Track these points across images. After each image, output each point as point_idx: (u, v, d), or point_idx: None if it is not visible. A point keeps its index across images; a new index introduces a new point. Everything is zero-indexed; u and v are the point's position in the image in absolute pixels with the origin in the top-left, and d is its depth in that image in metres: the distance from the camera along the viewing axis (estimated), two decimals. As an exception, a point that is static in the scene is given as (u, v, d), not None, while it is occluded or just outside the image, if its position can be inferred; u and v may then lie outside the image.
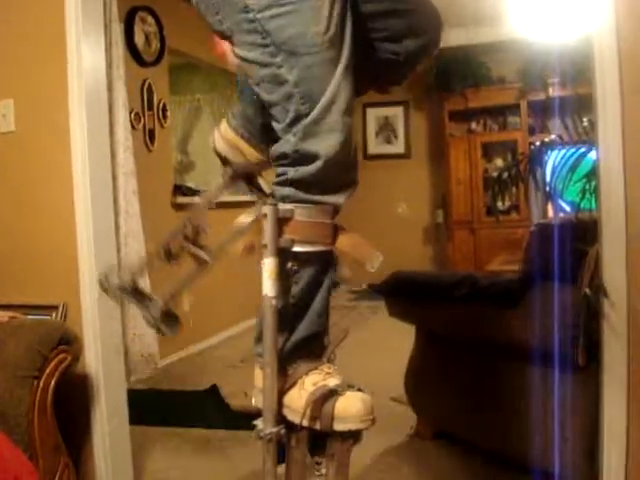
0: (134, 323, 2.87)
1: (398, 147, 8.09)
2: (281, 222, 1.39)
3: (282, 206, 1.39)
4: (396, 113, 8.02)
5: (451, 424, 3.10)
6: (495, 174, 7.03)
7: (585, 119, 6.56)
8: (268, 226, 1.38)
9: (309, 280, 1.43)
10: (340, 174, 1.41)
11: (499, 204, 7.26)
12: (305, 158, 1.37)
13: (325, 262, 1.45)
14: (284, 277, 1.41)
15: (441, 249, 7.92)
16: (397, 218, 7.80)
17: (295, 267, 1.41)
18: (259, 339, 1.47)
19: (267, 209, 1.38)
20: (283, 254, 1.40)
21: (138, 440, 3.09)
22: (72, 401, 2.52)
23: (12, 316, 2.32)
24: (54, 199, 2.59)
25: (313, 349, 1.48)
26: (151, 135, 5.01)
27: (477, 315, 2.72)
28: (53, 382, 2.24)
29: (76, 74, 2.51)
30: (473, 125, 7.59)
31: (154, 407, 3.82)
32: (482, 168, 7.49)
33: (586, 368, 2.24)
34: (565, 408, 2.48)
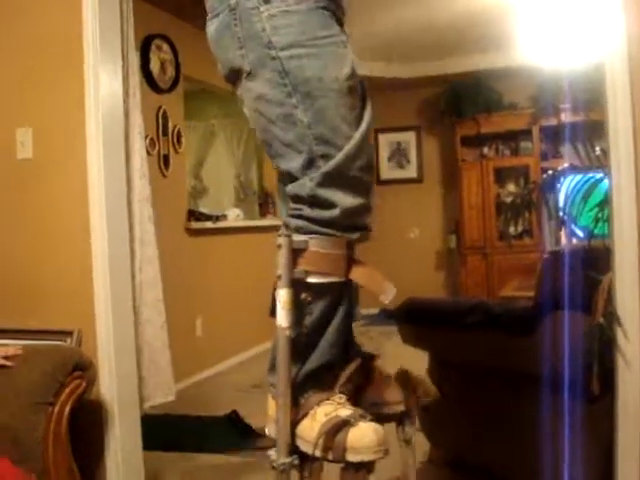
0: (149, 348, 2.88)
1: (410, 172, 8.11)
2: (295, 253, 1.40)
3: (296, 237, 1.40)
4: (408, 138, 8.05)
5: (464, 451, 3.08)
6: (509, 199, 7.05)
7: (597, 147, 6.56)
8: (283, 257, 1.39)
9: (322, 311, 1.44)
10: (356, 220, 1.43)
11: (511, 229, 7.27)
12: (321, 204, 1.40)
13: (339, 293, 1.45)
14: (298, 307, 1.42)
15: (454, 274, 7.90)
16: (409, 243, 7.80)
17: (309, 298, 1.42)
18: (272, 368, 1.48)
19: (282, 240, 1.39)
20: (297, 285, 1.40)
21: (152, 466, 3.09)
22: (86, 427, 2.52)
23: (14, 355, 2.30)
24: (70, 225, 2.62)
25: (325, 379, 1.48)
26: (166, 161, 5.06)
27: (491, 343, 2.72)
28: (68, 408, 2.25)
29: (93, 102, 2.55)
30: (485, 150, 7.60)
31: (168, 433, 3.82)
32: (494, 193, 7.49)
33: (600, 397, 2.23)
34: (579, 437, 2.47)
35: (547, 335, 2.45)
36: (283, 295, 1.39)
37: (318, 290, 1.42)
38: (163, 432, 3.77)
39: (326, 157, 1.39)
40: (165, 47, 5.01)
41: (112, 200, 2.59)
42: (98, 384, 2.51)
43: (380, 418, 1.61)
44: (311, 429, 1.40)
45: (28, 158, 2.69)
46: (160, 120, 5.00)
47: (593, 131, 6.45)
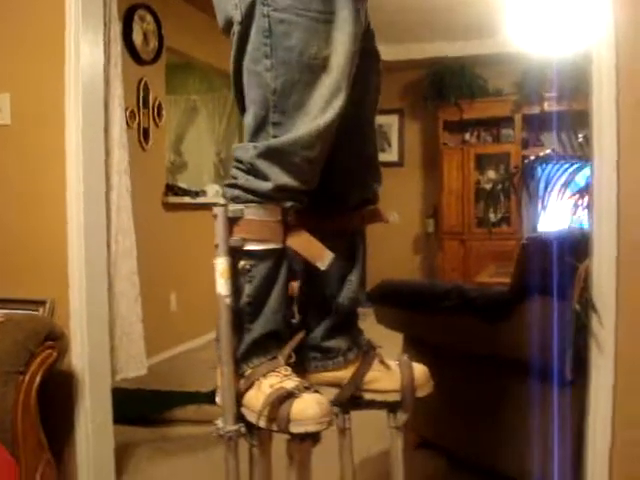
0: (121, 321, 2.86)
1: (391, 155, 8.09)
2: (232, 222, 1.42)
3: (232, 206, 1.42)
4: (390, 122, 8.03)
5: (437, 434, 3.10)
6: (488, 186, 7.07)
7: (580, 135, 6.59)
8: (219, 226, 1.42)
9: (263, 278, 1.45)
10: (289, 195, 1.44)
11: (490, 216, 7.29)
12: (257, 174, 1.41)
13: (277, 260, 1.46)
14: (238, 276, 1.44)
15: (431, 259, 7.92)
16: (388, 226, 7.74)
17: (248, 266, 1.44)
18: (218, 339, 1.48)
19: (217, 210, 1.42)
20: (236, 253, 1.43)
21: (122, 439, 3.08)
22: (56, 398, 2.51)
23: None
24: (46, 193, 2.58)
25: (270, 348, 1.49)
26: (145, 134, 5.01)
27: (465, 326, 2.73)
28: (38, 378, 2.22)
29: (73, 70, 2.51)
30: (467, 136, 7.61)
31: (138, 406, 3.80)
32: (474, 179, 7.50)
33: (574, 382, 2.24)
34: (552, 421, 2.48)
35: (523, 320, 2.46)
36: (221, 263, 1.42)
37: (256, 257, 1.43)
38: (134, 406, 3.76)
39: (278, 126, 1.40)
40: (148, 18, 4.94)
41: (90, 169, 2.55)
42: (70, 355, 2.49)
43: (373, 404, 1.65)
44: (256, 399, 1.41)
45: (6, 124, 2.64)
46: (141, 92, 4.95)
47: (576, 121, 6.47)
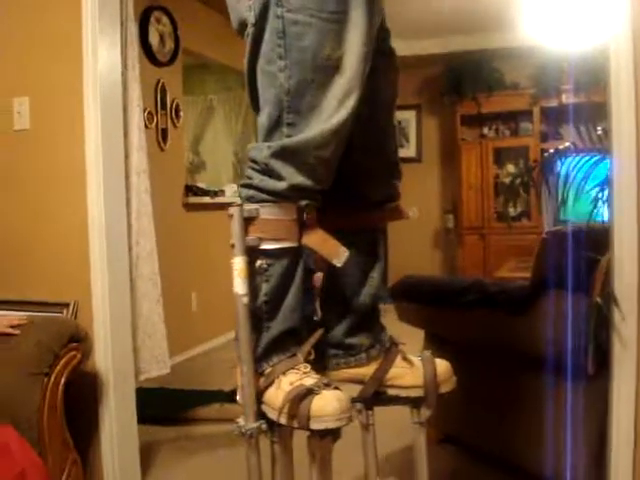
0: (144, 322, 2.88)
1: (409, 151, 8.07)
2: (248, 221, 1.44)
3: (247, 206, 1.43)
4: (408, 117, 8.01)
5: (458, 429, 3.10)
6: (507, 180, 7.04)
7: (599, 127, 6.54)
8: (235, 226, 1.43)
9: (279, 277, 1.46)
10: (303, 195, 1.45)
11: (510, 210, 7.25)
12: (271, 174, 1.42)
13: (294, 258, 1.48)
14: (255, 275, 1.45)
15: (451, 254, 7.90)
16: (407, 222, 7.69)
17: (265, 265, 1.45)
18: (237, 338, 1.50)
19: (233, 209, 1.43)
20: (252, 253, 1.44)
21: (146, 438, 3.11)
22: (81, 398, 2.53)
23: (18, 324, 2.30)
24: (67, 197, 2.60)
25: (289, 346, 1.50)
26: (164, 135, 5.04)
27: (486, 321, 2.72)
28: (63, 379, 2.25)
29: (92, 73, 2.53)
30: (485, 130, 7.58)
31: (162, 406, 3.83)
32: (493, 173, 7.47)
33: (596, 377, 2.23)
34: (574, 416, 2.47)
35: (543, 315, 2.45)
36: (238, 263, 1.44)
37: (273, 256, 1.45)
38: (157, 405, 3.78)
39: (292, 126, 1.41)
40: (164, 19, 4.97)
41: (109, 172, 2.58)
42: (93, 356, 2.51)
43: (396, 400, 1.66)
44: (276, 397, 1.42)
45: (25, 129, 2.67)
46: (159, 94, 4.98)
47: (594, 113, 6.42)
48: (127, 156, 2.78)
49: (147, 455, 3.08)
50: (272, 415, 1.44)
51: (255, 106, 1.53)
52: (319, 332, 1.57)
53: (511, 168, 7.45)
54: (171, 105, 5.13)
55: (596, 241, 2.19)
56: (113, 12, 2.64)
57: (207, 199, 5.55)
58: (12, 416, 2.09)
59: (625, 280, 2.02)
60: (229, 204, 1.45)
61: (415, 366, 1.65)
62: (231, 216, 1.43)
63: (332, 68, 1.39)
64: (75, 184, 2.56)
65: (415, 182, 7.88)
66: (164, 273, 3.09)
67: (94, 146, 2.53)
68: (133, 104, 2.87)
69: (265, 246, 1.44)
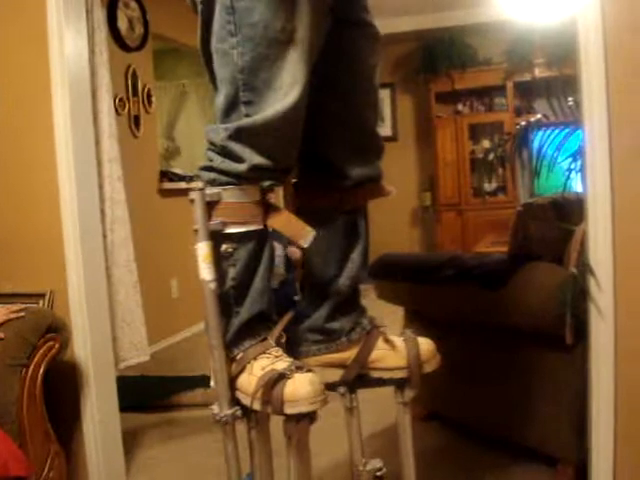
0: (121, 309, 2.86)
1: (385, 130, 8.05)
2: (210, 206, 1.41)
3: (209, 190, 1.41)
4: (382, 96, 7.99)
5: (442, 405, 3.12)
6: (482, 155, 7.06)
7: (570, 99, 6.57)
8: (197, 210, 1.41)
9: (246, 260, 1.44)
10: (265, 174, 1.42)
11: (486, 185, 7.29)
12: (231, 156, 1.40)
13: (259, 241, 1.45)
14: (221, 260, 1.43)
15: (429, 231, 7.93)
16: (384, 201, 7.67)
17: (230, 249, 1.42)
18: (206, 325, 1.48)
19: (194, 194, 1.40)
20: (217, 237, 1.42)
21: (129, 426, 3.10)
22: (61, 389, 2.52)
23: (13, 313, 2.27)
24: (38, 186, 2.57)
25: (259, 330, 1.48)
26: (136, 121, 4.98)
27: (465, 296, 2.73)
28: (42, 370, 2.23)
29: (58, 60, 2.49)
30: (459, 107, 7.57)
31: (144, 393, 3.82)
32: (469, 150, 7.48)
33: (574, 346, 2.25)
34: (554, 386, 2.50)
35: (521, 287, 2.47)
36: (202, 248, 1.41)
37: (238, 240, 1.42)
38: (139, 392, 3.77)
39: (249, 104, 1.37)
40: (133, 4, 4.90)
41: (80, 160, 2.54)
42: (72, 346, 2.49)
43: (380, 382, 1.65)
44: (249, 383, 1.41)
45: (-7, 119, 2.63)
46: (129, 80, 4.91)
47: (567, 86, 6.45)
48: (98, 143, 2.75)
49: (131, 443, 3.08)
50: (245, 401, 1.42)
51: (216, 87, 1.50)
52: (289, 315, 1.55)
53: (486, 144, 7.46)
54: (143, 91, 5.07)
55: (570, 212, 2.21)
56: (78, -2, 2.60)
57: (183, 184, 5.51)
58: (-9, 409, 2.07)
59: (600, 250, 2.03)
60: (189, 189, 1.43)
61: (397, 347, 1.63)
62: (192, 201, 1.41)
63: (285, 42, 1.35)
64: (46, 173, 2.53)
65: (391, 161, 7.81)
66: (142, 260, 3.08)
67: (63, 134, 2.49)
68: (102, 90, 2.84)
69: (229, 230, 1.41)
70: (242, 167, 1.39)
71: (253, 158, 1.38)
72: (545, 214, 2.38)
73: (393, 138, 8.04)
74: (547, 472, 2.55)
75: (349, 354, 1.66)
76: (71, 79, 2.51)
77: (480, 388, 2.83)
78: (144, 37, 5.06)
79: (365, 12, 1.63)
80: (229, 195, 1.40)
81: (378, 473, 1.77)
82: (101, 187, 2.73)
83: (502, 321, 2.60)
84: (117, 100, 4.55)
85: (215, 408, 1.45)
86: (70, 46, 2.52)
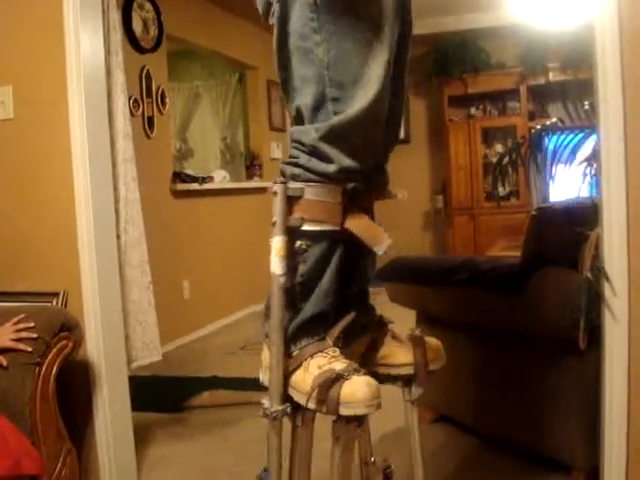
0: (134, 309, 2.87)
1: (398, 133, 8.05)
2: (291, 200, 1.40)
3: (292, 184, 1.40)
4: (395, 99, 7.98)
5: (452, 408, 3.11)
6: (495, 159, 7.04)
7: (586, 103, 6.54)
8: (278, 204, 1.39)
9: (317, 259, 1.43)
10: (352, 176, 1.42)
11: (499, 189, 7.26)
12: (320, 156, 1.38)
13: (334, 242, 1.44)
14: (293, 256, 1.42)
15: (441, 235, 7.91)
16: (396, 204, 7.71)
17: (304, 246, 1.42)
18: (267, 318, 1.48)
19: (277, 187, 1.39)
20: (292, 233, 1.41)
21: (140, 426, 3.10)
22: (74, 388, 2.53)
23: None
24: (54, 186, 2.58)
25: (318, 330, 1.48)
26: (150, 122, 5.00)
27: (478, 299, 2.72)
28: (55, 369, 2.24)
29: (74, 61, 2.50)
30: (473, 110, 7.57)
31: (155, 393, 3.83)
32: (482, 153, 7.48)
33: (588, 351, 2.24)
34: (566, 391, 2.49)
35: (535, 291, 2.46)
36: (278, 242, 1.39)
37: (313, 238, 1.42)
38: (151, 393, 3.79)
39: (337, 101, 1.36)
40: (147, 6, 4.93)
41: (95, 160, 2.55)
42: (85, 345, 2.50)
43: (388, 378, 1.65)
44: (304, 381, 1.40)
45: (9, 118, 2.64)
46: (144, 81, 4.94)
47: (581, 90, 6.43)
48: (113, 143, 2.75)
49: (142, 442, 3.08)
50: (298, 398, 1.42)
51: (285, 89, 1.48)
52: (350, 316, 1.54)
53: (499, 148, 7.45)
54: (157, 92, 5.09)
55: (585, 216, 2.20)
56: (94, -1, 2.61)
57: (195, 186, 5.53)
58: (5, 406, 2.08)
59: (615, 255, 2.02)
60: (274, 182, 1.41)
61: (405, 344, 1.64)
62: (275, 193, 1.39)
63: (369, 37, 1.35)
64: (61, 173, 2.54)
65: (404, 164, 7.85)
66: (154, 261, 3.08)
67: (79, 134, 2.51)
68: (117, 91, 2.85)
69: (307, 227, 1.40)
70: (331, 168, 1.38)
71: (342, 160, 1.38)
72: (559, 218, 2.37)
73: (406, 141, 8.03)
74: (558, 478, 2.53)
75: (358, 350, 1.66)
76: (87, 79, 2.52)
77: (491, 392, 2.82)
78: (158, 38, 5.08)
79: (411, 14, 1.62)
80: (312, 192, 1.40)
81: (387, 470, 1.78)
82: (116, 187, 2.73)
83: (515, 325, 2.59)
84: (131, 101, 4.57)
85: (265, 402, 1.44)
86: (86, 46, 2.53)
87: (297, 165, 1.42)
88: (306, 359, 1.43)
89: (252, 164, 6.76)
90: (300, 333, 1.46)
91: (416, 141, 8.04)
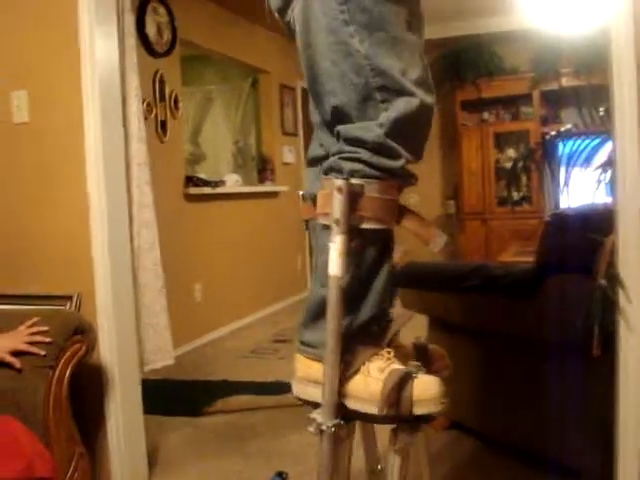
0: (147, 313, 2.87)
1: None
2: (352, 197, 1.31)
3: (353, 180, 1.32)
4: (408, 103, 7.98)
5: (464, 415, 3.10)
6: (509, 164, 7.03)
7: (601, 109, 6.51)
8: (342, 201, 1.30)
9: (374, 260, 1.37)
10: (409, 170, 1.38)
11: (513, 194, 7.25)
12: (387, 153, 1.32)
13: (387, 242, 1.39)
14: (349, 257, 1.34)
15: (453, 240, 7.89)
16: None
17: (360, 246, 1.35)
18: (309, 324, 1.43)
19: (340, 183, 1.30)
20: (350, 232, 1.33)
21: (152, 430, 3.11)
22: (87, 391, 2.53)
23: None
24: (68, 190, 2.60)
25: (373, 332, 1.42)
26: (163, 126, 5.02)
27: (491, 305, 2.72)
28: (68, 372, 2.24)
29: (89, 64, 2.51)
30: (485, 115, 7.56)
31: (168, 397, 3.84)
32: (494, 158, 7.46)
33: (601, 359, 2.22)
34: (580, 399, 2.47)
35: (549, 297, 2.45)
36: (340, 242, 1.30)
37: (370, 237, 1.35)
38: (163, 396, 3.79)
39: (383, 90, 1.31)
40: (161, 10, 4.95)
41: (110, 163, 2.57)
42: (98, 348, 2.51)
43: None
44: (365, 386, 1.34)
45: (25, 122, 2.65)
46: (157, 85, 4.96)
47: (594, 95, 6.40)
48: (127, 147, 2.76)
49: (153, 446, 3.09)
50: (362, 406, 1.35)
51: (314, 89, 1.42)
52: (407, 315, 1.51)
53: (512, 153, 7.43)
54: (170, 96, 5.11)
55: (599, 223, 2.18)
56: (109, 2, 2.62)
57: (208, 190, 5.54)
58: (18, 409, 2.08)
59: (630, 262, 2.00)
60: (330, 177, 1.34)
61: (409, 352, 1.59)
62: (340, 189, 1.30)
63: (401, 22, 1.32)
64: (76, 176, 2.56)
65: (416, 168, 7.80)
66: (166, 264, 3.09)
67: (94, 137, 2.52)
68: (131, 94, 2.86)
69: (366, 225, 1.33)
70: (399, 163, 1.33)
71: (406, 154, 1.33)
72: (573, 225, 2.36)
73: (418, 145, 8.01)
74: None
75: None
76: (101, 83, 2.54)
77: (503, 398, 2.81)
78: (172, 43, 5.10)
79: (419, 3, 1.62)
80: (373, 189, 1.32)
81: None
82: (129, 191, 2.74)
83: (528, 331, 2.58)
84: (144, 105, 4.58)
85: (318, 417, 1.34)
86: (101, 50, 2.54)
87: (359, 160, 1.32)
88: (364, 363, 1.37)
89: (264, 168, 6.77)
90: (356, 338, 1.39)
91: (428, 145, 7.81)
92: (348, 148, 1.34)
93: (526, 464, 2.72)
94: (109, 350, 2.55)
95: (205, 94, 7.30)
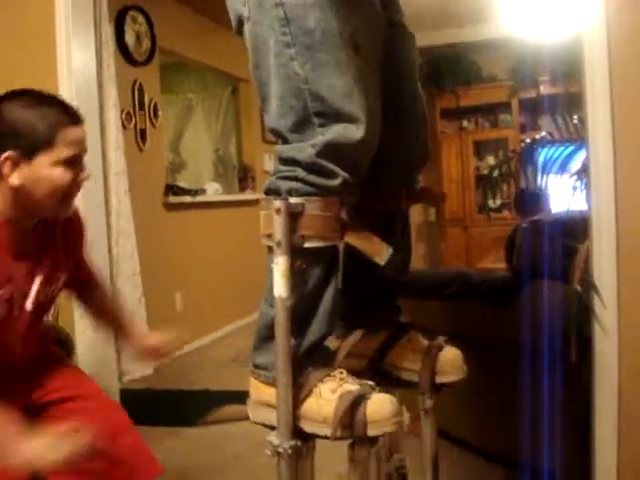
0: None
1: (390, 145, 8.08)
2: (292, 217, 1.29)
3: (292, 200, 1.29)
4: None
5: (445, 423, 3.10)
6: (486, 172, 7.08)
7: (575, 116, 6.59)
8: (281, 222, 1.28)
9: (319, 278, 1.35)
10: (353, 189, 1.35)
11: (490, 202, 7.30)
12: (321, 172, 1.30)
13: (332, 259, 1.36)
14: (293, 277, 1.31)
15: (433, 247, 7.92)
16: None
17: (304, 265, 1.32)
18: (259, 347, 1.41)
19: (279, 203, 1.28)
20: (292, 252, 1.30)
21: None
22: (65, 401, 2.51)
23: None
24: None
25: (322, 353, 1.41)
26: (142, 135, 5.01)
27: (470, 312, 2.73)
28: (46, 382, 2.23)
29: (66, 74, 2.52)
30: (465, 123, 7.60)
31: (148, 407, 3.82)
32: (474, 166, 7.51)
33: (578, 364, 2.25)
34: (557, 404, 2.49)
35: (526, 304, 2.47)
36: (283, 263, 1.28)
37: (314, 256, 1.32)
38: (143, 406, 3.77)
39: (320, 115, 1.28)
40: (140, 19, 4.94)
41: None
42: (76, 359, 2.50)
43: (400, 382, 1.60)
44: (319, 408, 1.32)
45: (1, 131, 2.64)
46: (136, 94, 4.94)
47: (572, 103, 6.47)
48: (104, 156, 2.76)
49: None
50: (316, 428, 1.33)
51: (264, 108, 1.39)
52: (356, 334, 1.49)
53: (491, 160, 7.49)
54: (149, 105, 5.10)
55: (575, 229, 2.21)
56: (86, 12, 2.63)
57: (188, 198, 5.53)
58: None
59: (604, 268, 2.03)
60: (269, 198, 1.31)
61: (417, 349, 1.58)
62: (278, 210, 1.27)
63: (344, 46, 1.28)
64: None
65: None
66: (146, 273, 3.09)
67: (71, 147, 2.51)
68: (109, 104, 2.87)
69: (309, 244, 1.30)
70: (336, 182, 1.29)
71: (343, 173, 1.30)
72: (549, 231, 2.38)
73: (398, 154, 8.05)
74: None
75: (371, 344, 1.62)
76: (78, 92, 2.54)
77: (481, 404, 2.82)
78: (151, 51, 5.09)
79: (400, 14, 1.60)
80: (314, 207, 1.29)
81: (401, 470, 1.74)
82: (107, 200, 2.74)
83: (506, 338, 2.60)
84: (124, 114, 4.56)
85: (274, 439, 1.32)
86: (78, 60, 2.55)
87: (297, 179, 1.31)
88: (316, 385, 1.35)
89: (245, 176, 6.76)
90: (307, 359, 1.36)
91: (408, 153, 8.04)
92: (284, 168, 1.33)
93: (504, 469, 2.73)
94: (87, 360, 2.54)
95: (185, 102, 7.29)
